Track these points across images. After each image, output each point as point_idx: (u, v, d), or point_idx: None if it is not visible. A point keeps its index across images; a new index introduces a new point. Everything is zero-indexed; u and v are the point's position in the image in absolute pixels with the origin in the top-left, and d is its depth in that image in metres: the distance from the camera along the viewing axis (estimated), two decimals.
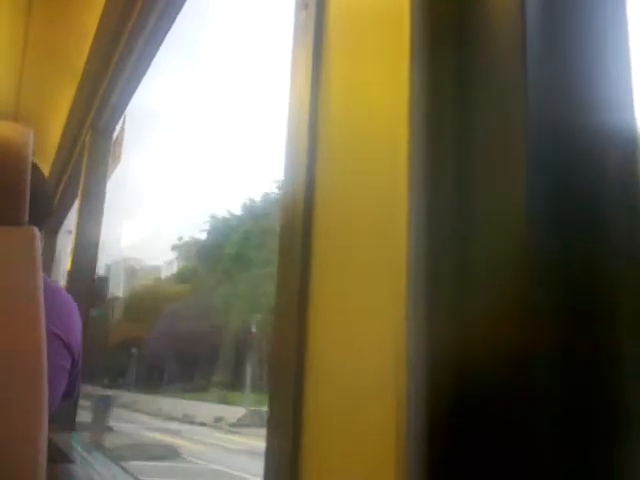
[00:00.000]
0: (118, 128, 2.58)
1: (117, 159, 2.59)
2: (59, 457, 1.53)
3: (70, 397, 1.21)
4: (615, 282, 0.45)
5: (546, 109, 0.46)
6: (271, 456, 0.60)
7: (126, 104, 2.46)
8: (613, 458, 0.42)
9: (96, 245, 2.43)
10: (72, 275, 2.33)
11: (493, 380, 0.43)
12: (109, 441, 10.66)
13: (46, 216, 1.27)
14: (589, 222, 0.45)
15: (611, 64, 0.49)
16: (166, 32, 2.02)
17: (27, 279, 0.89)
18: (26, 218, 0.93)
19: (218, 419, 15.76)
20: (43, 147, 2.94)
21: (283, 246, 0.66)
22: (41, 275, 0.91)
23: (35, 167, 1.22)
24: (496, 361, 0.43)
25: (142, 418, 16.23)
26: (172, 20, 1.96)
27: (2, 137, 0.91)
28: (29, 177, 0.93)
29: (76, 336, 1.13)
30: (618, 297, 0.45)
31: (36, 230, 0.93)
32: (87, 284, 2.33)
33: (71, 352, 1.11)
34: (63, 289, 1.31)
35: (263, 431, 0.62)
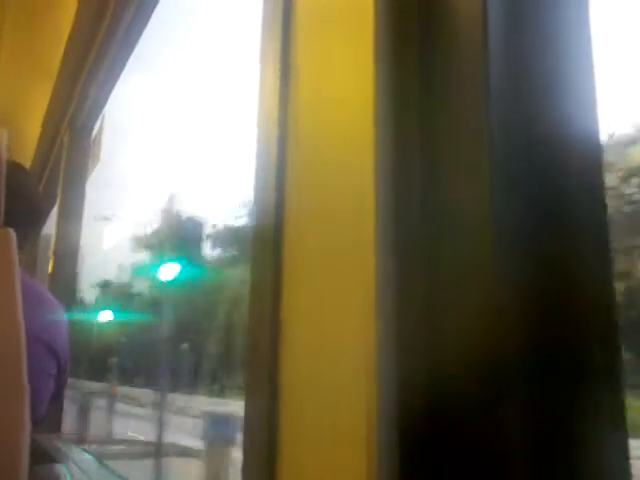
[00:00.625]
0: (97, 127, 2.56)
1: (96, 158, 2.57)
2: (45, 458, 1.53)
3: (57, 401, 1.21)
4: (581, 283, 0.46)
5: (509, 105, 0.46)
6: (247, 458, 0.61)
7: (104, 103, 2.44)
8: (585, 461, 0.42)
9: (77, 246, 2.41)
10: (54, 277, 2.32)
11: (463, 385, 0.43)
12: None
13: (33, 216, 1.25)
14: (554, 223, 0.46)
15: (574, 62, 0.50)
16: (141, 30, 2.01)
17: (3, 281, 0.88)
18: (1, 221, 0.92)
19: None
20: (21, 148, 2.91)
21: (255, 254, 0.66)
22: (18, 278, 0.90)
23: (18, 167, 1.20)
24: (465, 367, 0.44)
25: None
26: (147, 18, 1.95)
27: None
28: (4, 178, 0.92)
29: (62, 340, 1.13)
30: (585, 298, 0.45)
31: (11, 232, 0.92)
32: (69, 285, 2.32)
33: (57, 357, 1.10)
34: (49, 292, 1.31)
35: None
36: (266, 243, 0.63)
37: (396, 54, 0.53)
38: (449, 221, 0.47)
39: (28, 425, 0.84)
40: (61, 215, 2.40)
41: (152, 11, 1.90)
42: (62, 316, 1.17)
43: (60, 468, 1.52)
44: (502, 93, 0.46)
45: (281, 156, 0.63)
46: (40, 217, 1.34)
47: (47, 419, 1.84)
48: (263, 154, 0.67)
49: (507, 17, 0.48)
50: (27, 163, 2.99)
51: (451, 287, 0.46)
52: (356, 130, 0.54)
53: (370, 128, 0.51)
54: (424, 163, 0.50)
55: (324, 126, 0.59)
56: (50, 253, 2.47)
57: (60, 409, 2.09)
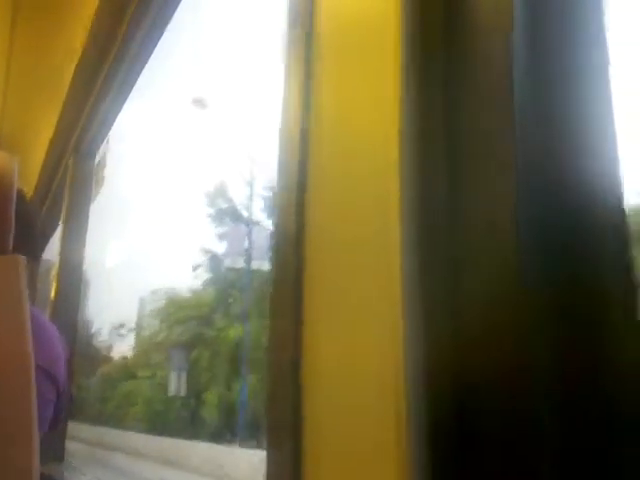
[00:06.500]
0: (101, 152, 2.57)
1: (100, 182, 2.58)
2: None
3: (56, 428, 1.20)
4: (603, 283, 0.46)
5: (532, 118, 0.47)
6: (272, 469, 0.59)
7: (109, 127, 2.46)
8: (610, 458, 0.42)
9: (80, 270, 2.40)
10: (56, 302, 2.30)
11: (490, 383, 0.43)
12: None
13: (31, 243, 1.25)
14: (577, 226, 0.46)
15: (593, 68, 0.50)
16: (149, 56, 2.03)
17: (13, 309, 0.88)
18: (10, 247, 0.91)
19: None
20: (25, 171, 2.92)
21: (278, 254, 0.66)
22: (27, 304, 0.90)
23: (19, 193, 1.21)
24: (492, 364, 0.43)
25: None
26: (154, 45, 1.98)
27: None
28: (14, 205, 0.92)
29: (60, 367, 1.12)
30: (607, 300, 0.45)
31: (21, 258, 0.92)
32: (72, 311, 2.30)
33: (56, 384, 1.09)
34: (46, 319, 1.30)
35: None
36: (288, 247, 0.63)
37: (421, 70, 0.53)
38: (473, 221, 0.47)
39: (37, 454, 0.83)
40: (64, 239, 2.40)
41: (160, 37, 1.92)
42: (59, 340, 1.16)
43: None
44: (526, 100, 0.47)
45: (303, 160, 0.64)
46: (37, 241, 1.34)
47: (49, 447, 1.81)
48: (285, 160, 0.68)
49: (532, 27, 0.49)
50: (31, 186, 3.00)
51: (475, 284, 0.46)
52: (381, 142, 0.54)
53: (395, 140, 0.52)
54: (449, 173, 0.50)
55: (348, 138, 0.60)
56: (52, 278, 2.46)
57: (63, 437, 2.06)
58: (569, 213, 0.46)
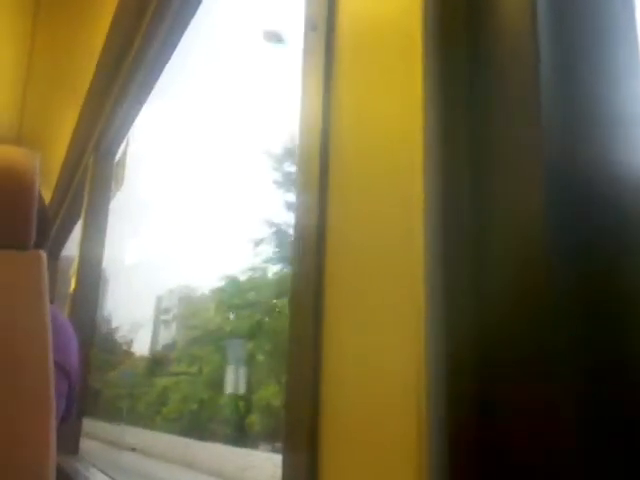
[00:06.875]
0: (121, 151, 2.59)
1: (120, 182, 2.60)
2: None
3: (67, 421, 1.21)
4: (631, 280, 0.45)
5: (560, 113, 0.46)
6: (288, 471, 0.59)
7: (129, 127, 2.48)
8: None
9: (99, 267, 2.43)
10: (75, 297, 2.33)
11: (512, 381, 0.43)
12: None
13: (44, 238, 1.27)
14: (605, 224, 0.45)
15: (622, 67, 0.49)
16: (170, 55, 2.04)
17: (34, 303, 0.90)
18: (32, 242, 0.93)
19: None
20: (46, 170, 2.95)
21: (297, 254, 0.66)
22: (47, 298, 0.91)
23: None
24: (514, 362, 0.43)
25: None
26: (175, 44, 1.99)
27: (9, 161, 0.92)
28: (36, 201, 0.93)
29: (73, 360, 1.14)
30: (635, 297, 0.45)
31: (43, 254, 0.94)
32: (91, 306, 2.33)
33: (68, 376, 1.11)
34: (59, 312, 1.31)
35: None
36: (309, 246, 0.62)
37: (444, 71, 0.53)
38: (498, 222, 0.47)
39: (54, 442, 0.84)
40: (84, 236, 2.42)
41: (181, 37, 1.93)
42: (73, 336, 1.18)
43: None
44: (553, 98, 0.46)
45: (324, 166, 0.63)
46: (49, 230, 1.36)
47: (64, 440, 1.83)
48: (306, 162, 0.67)
49: (556, 25, 0.48)
50: (51, 184, 3.03)
51: (500, 284, 0.46)
52: (404, 144, 0.54)
53: (419, 141, 0.51)
54: (473, 170, 0.49)
55: (370, 143, 0.59)
56: (72, 274, 2.48)
57: (78, 432, 2.08)
58: (597, 210, 0.45)
